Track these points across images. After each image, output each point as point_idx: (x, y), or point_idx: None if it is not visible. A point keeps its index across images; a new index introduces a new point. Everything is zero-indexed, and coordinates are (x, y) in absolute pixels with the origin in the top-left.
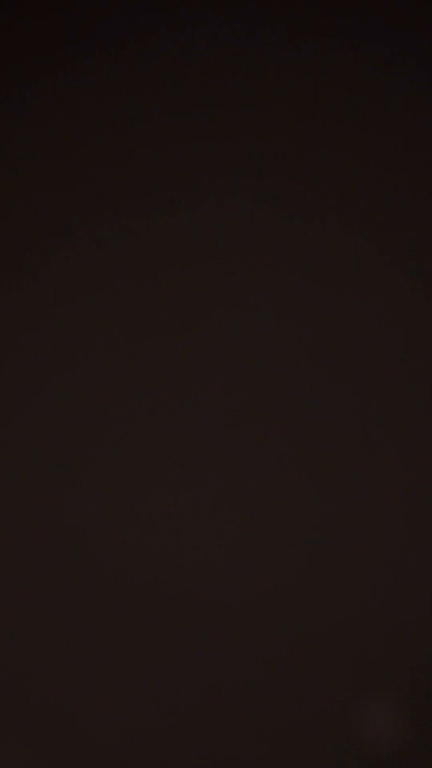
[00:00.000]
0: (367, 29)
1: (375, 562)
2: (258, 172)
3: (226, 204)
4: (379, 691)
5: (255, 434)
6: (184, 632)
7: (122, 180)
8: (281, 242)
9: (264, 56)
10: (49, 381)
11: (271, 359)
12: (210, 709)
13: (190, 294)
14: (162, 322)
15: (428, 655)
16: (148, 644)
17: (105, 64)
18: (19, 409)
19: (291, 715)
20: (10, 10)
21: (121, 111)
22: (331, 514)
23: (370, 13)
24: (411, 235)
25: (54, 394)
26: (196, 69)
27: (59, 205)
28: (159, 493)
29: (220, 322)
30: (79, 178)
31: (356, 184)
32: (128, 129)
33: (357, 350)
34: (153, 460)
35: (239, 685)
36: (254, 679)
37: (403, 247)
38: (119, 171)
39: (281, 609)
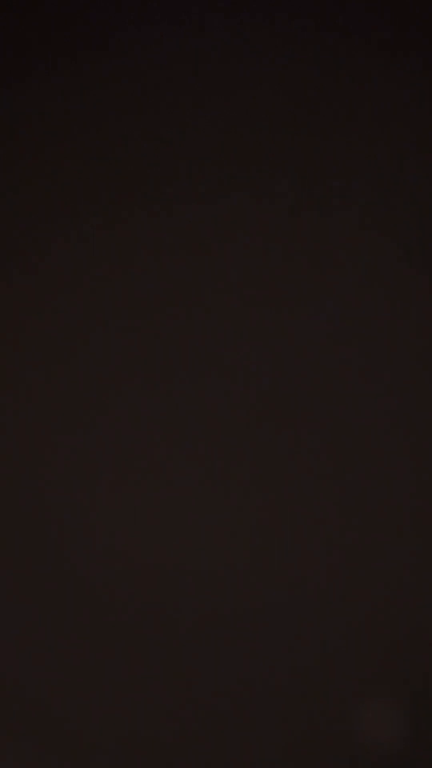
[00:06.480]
0: (369, 19)
1: (377, 563)
2: (258, 165)
3: (226, 196)
4: (381, 696)
5: (256, 436)
6: (184, 634)
7: (122, 173)
8: (282, 236)
9: (263, 49)
10: (47, 380)
11: (272, 358)
12: (211, 714)
13: (191, 288)
14: (161, 322)
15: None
16: (147, 649)
17: (104, 56)
18: (16, 408)
19: (292, 719)
20: (8, 6)
21: (120, 104)
22: (334, 516)
23: (371, 6)
24: (415, 228)
25: (52, 393)
26: (196, 58)
27: (58, 198)
28: (158, 495)
29: (221, 320)
30: (78, 171)
31: (357, 178)
32: (128, 121)
33: (360, 348)
34: (152, 461)
35: (239, 690)
36: (255, 685)
37: (407, 240)
38: (119, 162)
39: (282, 611)
